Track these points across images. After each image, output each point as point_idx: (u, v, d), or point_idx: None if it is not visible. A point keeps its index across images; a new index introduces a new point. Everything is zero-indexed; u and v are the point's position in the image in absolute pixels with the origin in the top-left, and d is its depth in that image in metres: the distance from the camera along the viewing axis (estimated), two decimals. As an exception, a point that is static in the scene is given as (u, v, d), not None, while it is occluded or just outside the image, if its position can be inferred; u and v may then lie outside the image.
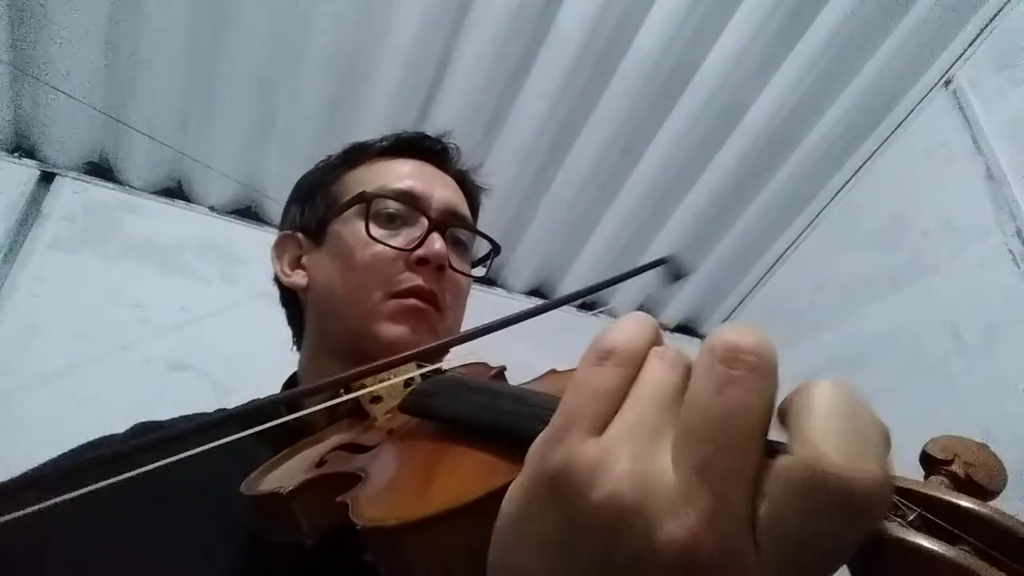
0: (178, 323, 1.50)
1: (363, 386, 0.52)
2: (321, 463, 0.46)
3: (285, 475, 0.47)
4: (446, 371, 0.53)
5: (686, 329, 2.04)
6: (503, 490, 0.26)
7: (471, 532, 0.29)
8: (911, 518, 0.21)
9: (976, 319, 1.26)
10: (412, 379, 0.51)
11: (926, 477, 0.23)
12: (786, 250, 1.83)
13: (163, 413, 0.69)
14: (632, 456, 0.22)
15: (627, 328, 0.25)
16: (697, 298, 1.96)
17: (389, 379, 0.51)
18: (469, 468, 0.35)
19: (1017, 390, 1.14)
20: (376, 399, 0.53)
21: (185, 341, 1.48)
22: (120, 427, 0.67)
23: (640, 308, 1.98)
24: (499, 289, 1.87)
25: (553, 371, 0.50)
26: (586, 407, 0.24)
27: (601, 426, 0.23)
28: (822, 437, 0.20)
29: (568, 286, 1.90)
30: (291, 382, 0.73)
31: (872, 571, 0.21)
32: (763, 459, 0.21)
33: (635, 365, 0.24)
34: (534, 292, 1.92)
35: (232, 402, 0.70)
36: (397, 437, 0.46)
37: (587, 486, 0.22)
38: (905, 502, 0.21)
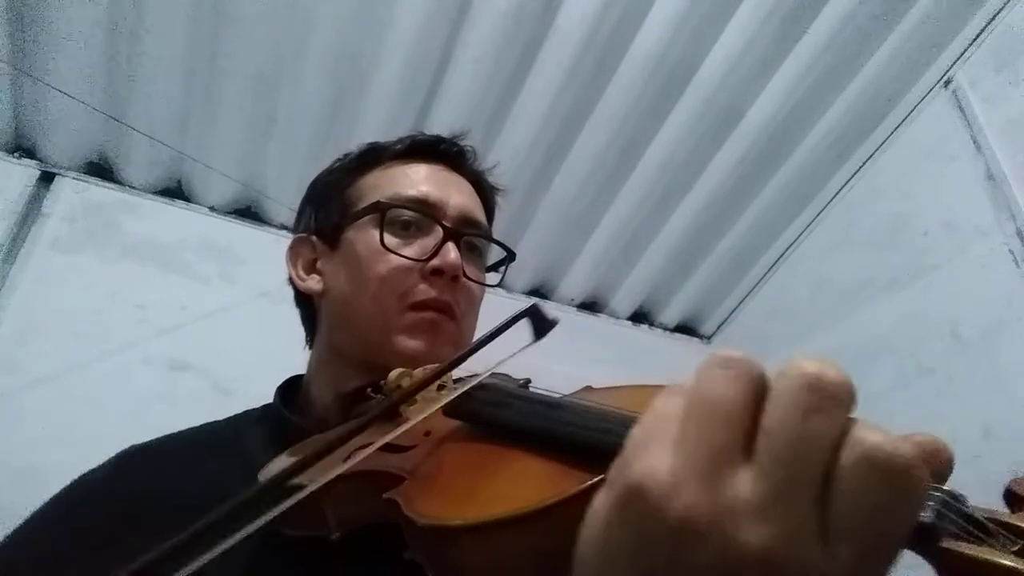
0: (178, 323, 1.50)
1: (407, 400, 0.52)
2: (348, 460, 0.46)
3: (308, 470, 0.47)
4: (479, 378, 0.54)
5: (686, 329, 2.04)
6: (572, 499, 0.28)
7: (534, 537, 0.30)
8: (1015, 548, 0.23)
9: (976, 319, 1.26)
10: (444, 383, 0.51)
11: (1012, 513, 0.25)
12: (786, 250, 1.83)
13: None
14: (700, 475, 0.23)
15: (709, 373, 0.27)
16: (697, 298, 1.96)
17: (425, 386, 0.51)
18: (535, 474, 0.35)
19: (1017, 389, 1.14)
20: (410, 401, 0.53)
21: (185, 341, 1.48)
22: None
23: (640, 308, 1.98)
24: (499, 289, 1.87)
25: (589, 388, 0.50)
26: (661, 428, 0.25)
27: (675, 446, 0.25)
28: (868, 432, 0.23)
29: (568, 286, 1.90)
30: (293, 383, 0.73)
31: None
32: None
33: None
34: (534, 292, 1.92)
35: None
36: (440, 440, 0.46)
37: (661, 505, 0.23)
38: (1006, 533, 0.23)
